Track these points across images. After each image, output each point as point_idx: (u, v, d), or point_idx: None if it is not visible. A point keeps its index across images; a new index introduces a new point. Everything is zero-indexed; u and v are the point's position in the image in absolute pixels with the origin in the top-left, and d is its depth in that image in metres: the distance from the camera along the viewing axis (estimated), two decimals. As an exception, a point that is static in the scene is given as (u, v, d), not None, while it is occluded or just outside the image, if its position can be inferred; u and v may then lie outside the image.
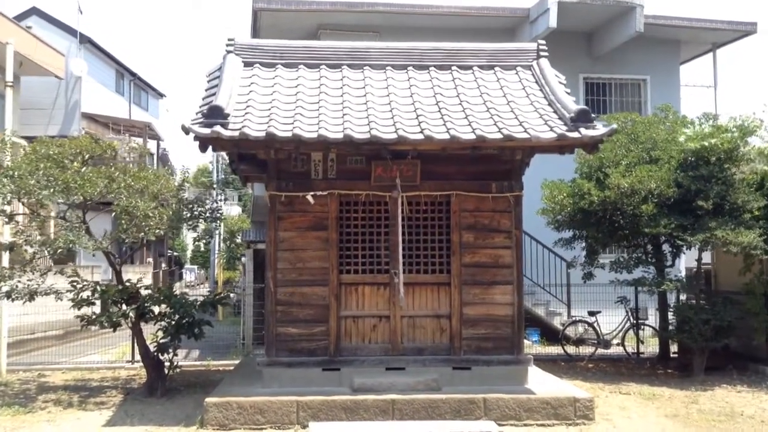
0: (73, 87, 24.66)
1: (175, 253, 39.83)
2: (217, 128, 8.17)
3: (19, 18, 24.34)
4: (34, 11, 25.43)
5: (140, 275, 23.51)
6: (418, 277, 9.35)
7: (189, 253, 53.37)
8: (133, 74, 29.99)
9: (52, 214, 10.88)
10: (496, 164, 9.34)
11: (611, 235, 12.49)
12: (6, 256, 11.49)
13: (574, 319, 14.45)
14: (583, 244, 13.43)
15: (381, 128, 8.53)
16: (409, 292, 9.23)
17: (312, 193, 9.11)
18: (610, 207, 11.83)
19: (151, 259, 28.29)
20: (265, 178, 9.36)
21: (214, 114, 8.33)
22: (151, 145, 27.81)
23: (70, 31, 25.26)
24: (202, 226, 11.26)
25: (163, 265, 33.66)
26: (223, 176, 35.87)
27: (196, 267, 51.10)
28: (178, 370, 10.72)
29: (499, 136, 8.44)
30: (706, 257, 13.29)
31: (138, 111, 30.04)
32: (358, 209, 9.37)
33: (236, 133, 8.18)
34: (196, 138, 8.29)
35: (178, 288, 35.80)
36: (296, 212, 9.23)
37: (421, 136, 8.38)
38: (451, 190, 9.30)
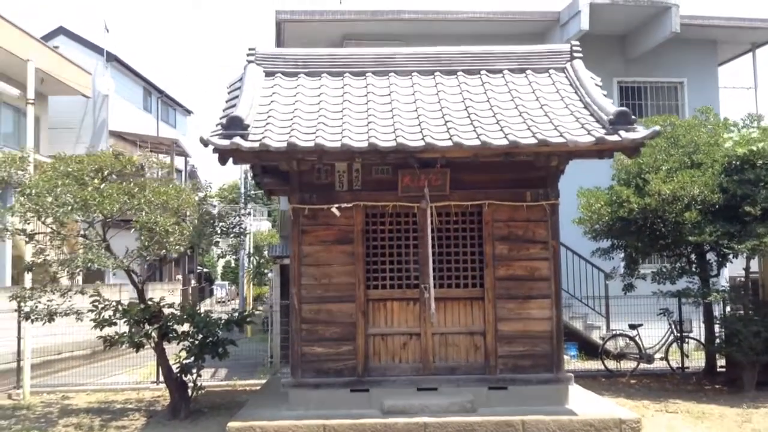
0: (101, 105, 24.74)
1: (205, 270, 39.77)
2: (237, 140, 7.82)
3: (47, 38, 24.52)
4: (61, 31, 25.62)
5: (169, 292, 23.45)
6: (450, 292, 8.88)
7: (220, 269, 53.39)
8: (160, 91, 30.05)
9: (82, 232, 10.65)
10: (530, 171, 8.85)
11: (652, 245, 11.87)
12: (29, 276, 11.28)
13: (614, 332, 13.82)
14: (622, 255, 12.83)
15: (407, 136, 8.11)
16: (441, 308, 8.76)
17: (337, 205, 8.72)
18: (651, 215, 11.24)
19: (180, 276, 28.19)
20: (288, 190, 8.98)
21: (233, 125, 7.99)
22: (179, 161, 27.78)
23: (97, 49, 25.38)
24: (227, 241, 10.89)
25: (193, 281, 33.61)
26: (252, 191, 35.81)
27: (227, 283, 51.07)
28: (202, 391, 10.36)
29: (533, 141, 7.96)
30: (754, 266, 12.61)
31: (166, 128, 30.07)
32: (385, 221, 8.94)
33: (256, 144, 7.83)
34: (216, 150, 7.95)
35: (208, 304, 35.78)
36: (320, 225, 8.83)
37: (449, 143, 7.94)
38: (482, 199, 8.84)
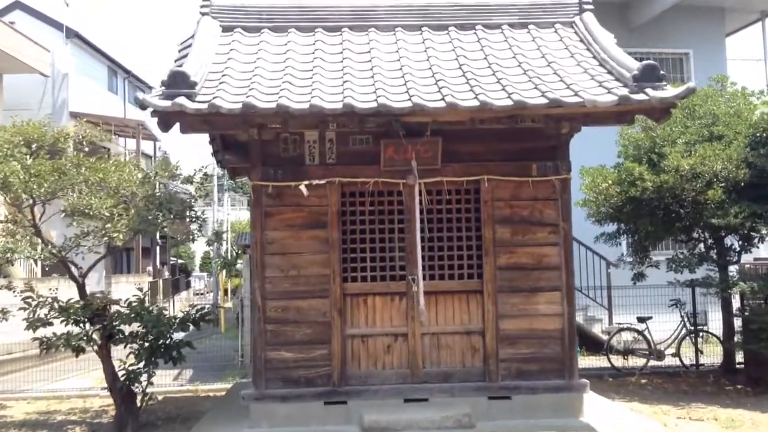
0: (61, 85, 23.06)
1: (180, 261, 38.10)
2: (181, 100, 6.35)
3: (2, 13, 22.83)
4: (17, 5, 23.83)
5: (135, 285, 21.87)
6: (442, 284, 7.48)
7: (198, 260, 51.69)
8: (127, 71, 28.31)
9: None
10: (536, 141, 7.47)
11: (667, 228, 10.54)
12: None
13: (621, 326, 12.50)
14: (629, 240, 11.51)
15: (391, 96, 6.68)
16: (432, 304, 7.38)
17: (306, 182, 7.29)
18: (668, 194, 9.89)
19: (150, 268, 26.60)
20: (248, 166, 7.52)
21: (177, 82, 6.50)
22: (147, 146, 26.12)
23: (57, 25, 23.64)
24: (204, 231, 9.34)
25: (166, 273, 32.01)
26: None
27: (206, 275, 49.44)
28: (152, 402, 8.90)
29: (543, 101, 6.55)
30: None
31: (134, 110, 28.33)
32: (365, 201, 7.51)
33: (204, 106, 6.36)
34: (155, 113, 6.47)
35: (184, 297, 34.09)
36: (287, 206, 7.39)
37: (442, 104, 6.52)
38: (480, 174, 7.43)
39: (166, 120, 6.52)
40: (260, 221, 7.34)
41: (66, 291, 9.45)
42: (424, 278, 7.15)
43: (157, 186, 8.65)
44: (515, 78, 7.19)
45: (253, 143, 7.33)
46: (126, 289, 21.30)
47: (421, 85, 7.02)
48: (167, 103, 6.33)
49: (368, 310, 7.46)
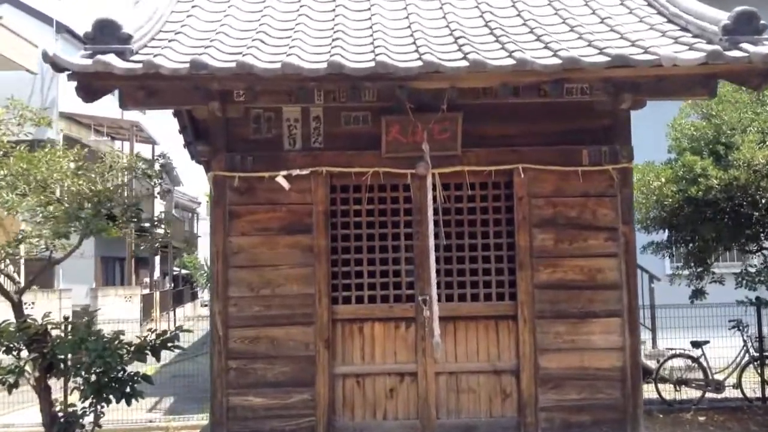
0: (50, 83, 21.51)
1: (184, 271, 36.44)
2: (108, 57, 4.63)
3: (-12, 7, 21.31)
4: (5, -1, 22.35)
5: (125, 299, 20.25)
6: (463, 308, 5.70)
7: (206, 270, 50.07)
8: (125, 71, 26.71)
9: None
10: (586, 119, 5.70)
11: (734, 235, 8.67)
12: None
13: (673, 352, 10.59)
14: (685, 249, 9.65)
15: (394, 56, 4.93)
16: (449, 333, 5.61)
17: (285, 172, 5.56)
18: (739, 193, 8.04)
19: (147, 279, 24.98)
20: (209, 150, 5.76)
21: (104, 35, 4.80)
22: (145, 150, 24.51)
23: (47, 20, 22.12)
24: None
25: (168, 284, 30.38)
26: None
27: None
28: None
29: (602, 58, 4.78)
30: None
31: (133, 112, 26.78)
32: (362, 198, 5.75)
33: (139, 65, 4.63)
34: (73, 76, 4.76)
35: (189, 309, 32.34)
36: (260, 205, 5.64)
37: (464, 63, 4.76)
38: (513, 162, 5.65)
39: (87, 85, 4.81)
40: (223, 224, 5.59)
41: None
42: (439, 299, 5.37)
43: (112, 180, 6.90)
44: (560, 35, 5.42)
45: (216, 123, 5.61)
46: (114, 302, 19.76)
47: (436, 43, 5.27)
48: (87, 62, 4.62)
49: (365, 342, 5.68)
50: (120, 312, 17.02)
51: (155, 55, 4.76)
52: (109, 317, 12.52)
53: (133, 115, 24.22)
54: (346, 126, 5.70)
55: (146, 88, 4.91)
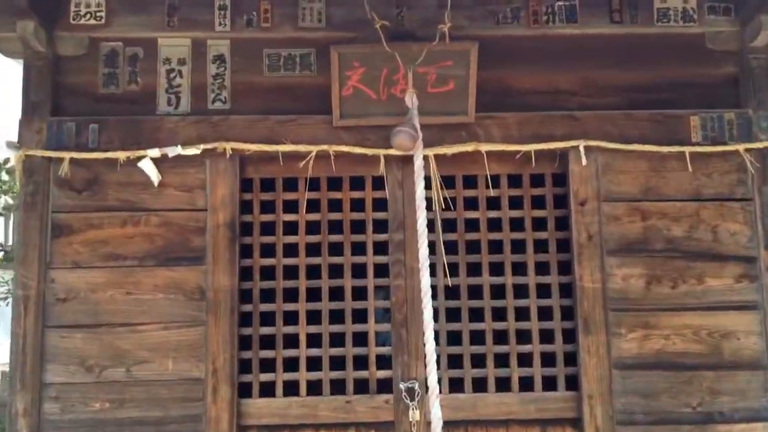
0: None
1: None
2: None
3: None
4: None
5: None
6: (484, 404, 3.07)
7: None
8: None
9: None
10: (696, 64, 3.26)
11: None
12: None
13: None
14: None
15: None
16: (459, 452, 3.00)
17: (157, 151, 3.04)
18: None
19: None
20: (25, 118, 3.21)
21: None
22: None
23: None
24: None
25: None
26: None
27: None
28: None
29: None
30: None
31: None
32: (299, 201, 3.20)
33: None
34: None
35: None
36: (110, 212, 3.09)
37: None
38: (570, 137, 3.15)
39: None
40: (40, 246, 3.02)
41: None
42: (439, 387, 2.76)
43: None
44: None
45: (34, 63, 3.11)
46: None
47: None
48: None
49: (301, 472, 3.05)
50: None
51: None
52: None
53: None
54: (271, 73, 3.21)
55: None
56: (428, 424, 2.67)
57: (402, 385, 3.01)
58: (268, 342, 3.13)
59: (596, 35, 3.20)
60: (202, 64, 3.19)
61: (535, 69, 3.22)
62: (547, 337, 3.17)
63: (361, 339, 3.14)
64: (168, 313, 3.02)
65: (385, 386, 3.08)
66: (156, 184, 3.06)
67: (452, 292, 3.16)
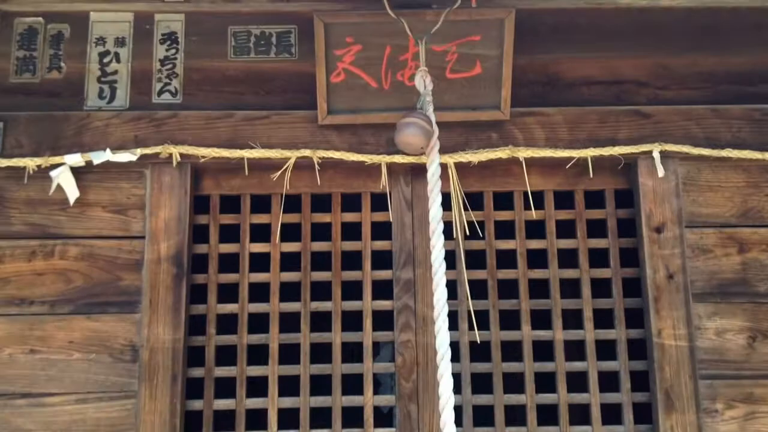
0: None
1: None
2: None
3: None
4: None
5: None
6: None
7: None
8: None
9: None
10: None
11: None
12: None
13: None
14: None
15: None
16: None
17: (79, 157, 2.24)
18: None
19: None
20: None
21: None
22: None
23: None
24: None
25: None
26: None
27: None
28: None
29: None
30: None
31: None
32: (271, 225, 2.38)
33: None
34: None
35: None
36: (7, 239, 2.28)
37: None
38: (639, 140, 2.34)
39: None
40: None
41: None
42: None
43: None
44: None
45: None
46: None
47: None
48: None
49: None
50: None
51: None
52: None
53: None
54: (238, 57, 2.43)
55: None
56: None
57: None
58: (225, 421, 2.28)
59: (672, 8, 2.42)
60: (147, 45, 2.42)
61: (591, 52, 2.43)
62: (611, 414, 2.30)
63: (353, 416, 2.28)
64: (86, 381, 2.18)
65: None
66: (71, 202, 2.26)
67: (480, 352, 2.31)
